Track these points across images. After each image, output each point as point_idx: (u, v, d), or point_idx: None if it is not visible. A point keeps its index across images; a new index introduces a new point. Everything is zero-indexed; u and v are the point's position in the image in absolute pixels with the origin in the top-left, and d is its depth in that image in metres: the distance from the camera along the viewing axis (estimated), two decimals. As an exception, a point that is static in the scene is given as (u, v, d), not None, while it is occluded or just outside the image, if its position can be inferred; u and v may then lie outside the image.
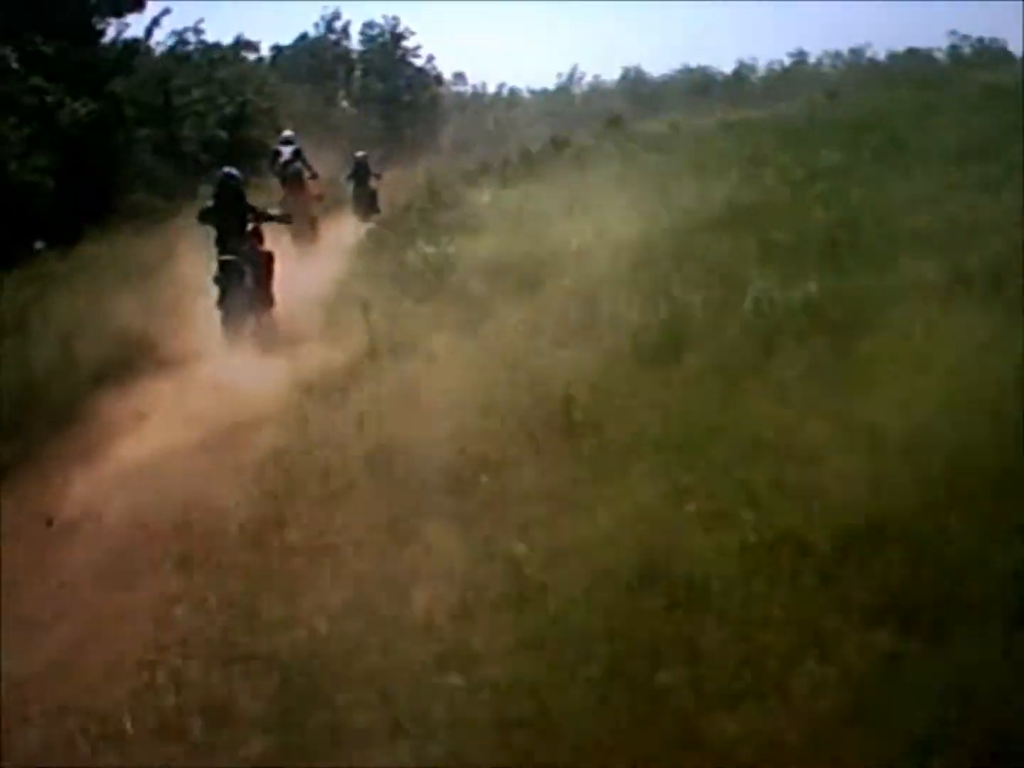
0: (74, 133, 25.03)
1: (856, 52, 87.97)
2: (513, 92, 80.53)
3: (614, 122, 30.97)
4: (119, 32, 30.09)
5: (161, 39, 33.50)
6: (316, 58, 65.74)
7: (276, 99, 52.98)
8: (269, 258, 11.85)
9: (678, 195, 14.52)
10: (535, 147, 29.85)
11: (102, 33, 29.79)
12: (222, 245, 11.37)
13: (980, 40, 77.72)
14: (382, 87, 64.93)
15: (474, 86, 77.38)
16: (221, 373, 10.47)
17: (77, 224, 23.15)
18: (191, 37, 40.22)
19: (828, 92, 31.60)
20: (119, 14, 30.03)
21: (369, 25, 66.45)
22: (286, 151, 17.99)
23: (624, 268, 11.05)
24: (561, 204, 16.36)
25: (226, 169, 12.09)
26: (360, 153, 22.45)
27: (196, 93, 29.91)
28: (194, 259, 13.33)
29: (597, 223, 14.04)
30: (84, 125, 25.00)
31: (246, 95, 32.46)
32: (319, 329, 11.92)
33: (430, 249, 14.42)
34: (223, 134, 31.05)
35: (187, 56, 32.40)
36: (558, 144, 28.89)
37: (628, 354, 8.40)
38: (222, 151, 31.53)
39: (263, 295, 11.64)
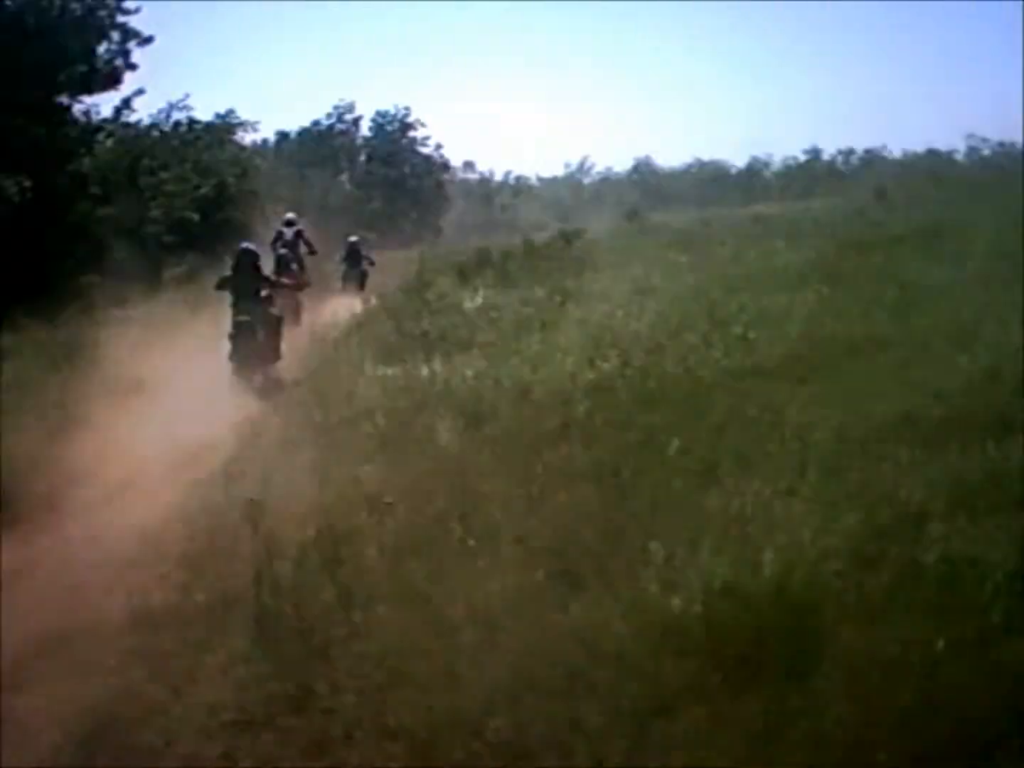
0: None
1: (871, 151, 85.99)
2: (520, 180, 77.81)
3: (632, 215, 27.29)
4: (88, 110, 27.06)
5: (152, 112, 30.48)
6: (323, 144, 63.05)
7: (273, 181, 50.20)
8: (278, 320, 13.04)
9: (726, 314, 10.76)
10: (541, 237, 26.32)
11: (68, 110, 26.74)
12: (237, 307, 12.51)
13: (1001, 143, 75.54)
14: (386, 172, 62.00)
15: (482, 173, 74.71)
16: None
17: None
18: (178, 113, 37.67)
19: (876, 191, 27.92)
20: (90, 92, 27.01)
21: (382, 115, 63.97)
22: (288, 232, 18.33)
23: (658, 430, 7.29)
24: (570, 315, 12.69)
25: (244, 244, 13.37)
26: (353, 238, 22.96)
27: (165, 174, 26.50)
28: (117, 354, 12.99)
29: (616, 346, 10.30)
30: (16, 204, 21.64)
31: (224, 176, 29.06)
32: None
33: (390, 371, 10.78)
34: (194, 216, 27.60)
35: (164, 134, 29.19)
36: (567, 236, 25.25)
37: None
38: (193, 232, 28.22)
39: (270, 351, 12.83)
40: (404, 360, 11.08)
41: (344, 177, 62.63)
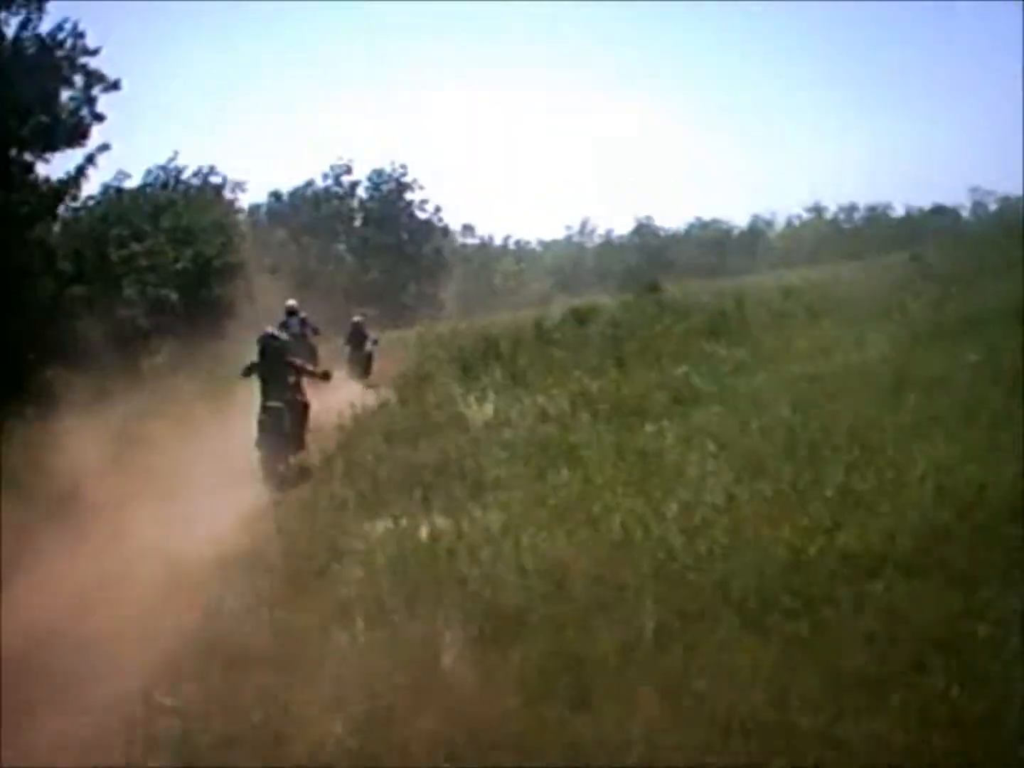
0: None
1: (874, 207, 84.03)
2: (520, 244, 75.62)
3: (651, 288, 24.71)
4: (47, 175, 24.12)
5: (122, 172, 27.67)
6: (318, 208, 60.78)
7: (264, 249, 47.71)
8: (305, 407, 12.85)
9: (838, 445, 8.11)
10: (548, 314, 23.86)
11: (30, 169, 23.83)
12: (266, 394, 12.35)
13: (1006, 198, 73.41)
14: (384, 238, 59.69)
15: (481, 238, 72.49)
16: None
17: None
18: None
19: (913, 255, 25.32)
20: (53, 147, 24.04)
21: (378, 173, 61.63)
22: (293, 321, 17.88)
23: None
24: (603, 439, 10.04)
25: (268, 330, 13.10)
26: (356, 318, 22.07)
27: (138, 246, 23.75)
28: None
29: (680, 499, 7.64)
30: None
31: (206, 246, 26.43)
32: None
33: (379, 526, 8.14)
34: (172, 294, 24.92)
35: (134, 198, 26.50)
36: (580, 316, 22.66)
37: None
38: (173, 312, 25.55)
39: (297, 439, 12.59)
40: (397, 514, 8.40)
41: (341, 245, 60.34)
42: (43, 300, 23.52)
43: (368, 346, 21.23)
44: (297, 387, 12.72)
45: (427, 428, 12.05)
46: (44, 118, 23.37)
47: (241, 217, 43.49)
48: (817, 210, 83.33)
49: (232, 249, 30.06)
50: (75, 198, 22.92)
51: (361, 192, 62.27)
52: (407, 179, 61.47)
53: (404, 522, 8.38)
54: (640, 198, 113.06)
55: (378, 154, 71.13)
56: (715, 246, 76.24)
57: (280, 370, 12.45)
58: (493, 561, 7.20)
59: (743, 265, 64.12)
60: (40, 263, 23.53)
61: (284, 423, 12.19)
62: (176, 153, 36.02)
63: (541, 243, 77.08)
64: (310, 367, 13.46)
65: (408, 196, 61.78)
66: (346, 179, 62.05)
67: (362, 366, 20.80)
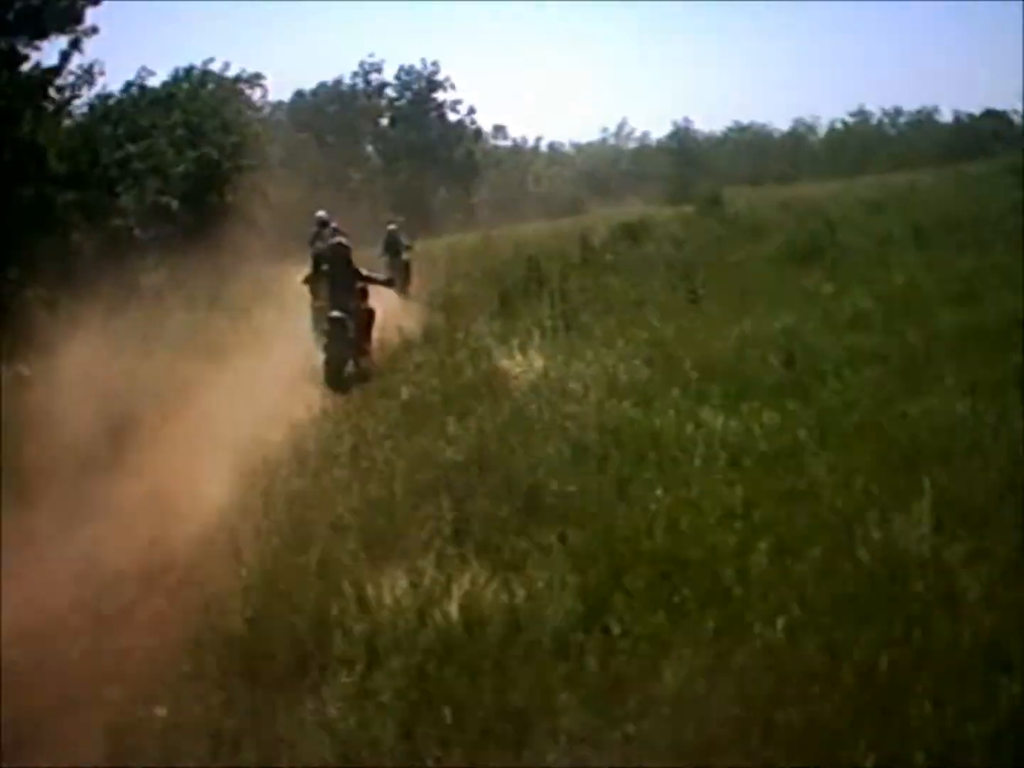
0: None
1: (921, 112, 79.23)
2: (554, 147, 71.49)
3: (712, 201, 21.39)
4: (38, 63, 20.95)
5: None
6: (345, 107, 56.98)
7: (286, 150, 44.24)
8: (370, 314, 12.65)
9: None
10: (590, 221, 20.75)
11: (18, 57, 20.68)
12: (332, 302, 12.23)
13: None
14: (413, 139, 55.90)
15: (514, 140, 68.40)
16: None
17: None
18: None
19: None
20: (44, 35, 20.80)
21: (407, 71, 57.66)
22: (327, 232, 16.61)
23: None
24: (708, 424, 7.06)
25: (337, 239, 12.97)
26: (392, 226, 20.29)
27: (133, 147, 20.59)
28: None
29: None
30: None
31: (213, 147, 23.23)
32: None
33: (400, 585, 5.24)
34: (172, 202, 21.83)
35: (132, 95, 23.20)
36: (632, 231, 19.50)
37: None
38: (175, 222, 22.48)
39: (362, 345, 12.40)
40: (419, 569, 5.47)
41: (368, 147, 56.66)
42: (29, 206, 20.64)
43: (405, 254, 19.75)
44: (363, 295, 12.66)
45: (456, 393, 9.07)
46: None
47: (259, 116, 39.93)
48: (862, 114, 78.59)
49: (245, 150, 26.75)
50: (60, 90, 19.63)
51: (390, 92, 58.46)
52: (438, 78, 57.60)
53: (428, 577, 5.47)
54: (678, 101, 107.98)
55: (408, 52, 67.08)
56: (755, 151, 71.92)
57: (346, 278, 12.36)
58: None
59: (785, 172, 60.28)
60: (28, 164, 20.63)
61: (349, 331, 12.11)
62: (211, 59, 32.62)
63: (574, 145, 72.94)
64: (375, 275, 13.29)
65: (439, 96, 57.96)
66: (375, 78, 58.22)
67: (401, 277, 18.97)
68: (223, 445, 8.29)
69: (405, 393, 9.29)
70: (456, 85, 57.16)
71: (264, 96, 45.42)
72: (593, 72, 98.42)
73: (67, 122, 21.96)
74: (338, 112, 56.14)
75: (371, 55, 57.48)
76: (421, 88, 58.15)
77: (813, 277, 12.17)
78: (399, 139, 56.12)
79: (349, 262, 12.50)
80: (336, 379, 11.71)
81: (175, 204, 21.96)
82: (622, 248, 17.42)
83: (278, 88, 75.10)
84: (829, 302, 10.52)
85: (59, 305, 18.91)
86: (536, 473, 6.65)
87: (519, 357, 10.20)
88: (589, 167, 67.89)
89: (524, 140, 68.82)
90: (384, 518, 6.22)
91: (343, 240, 12.88)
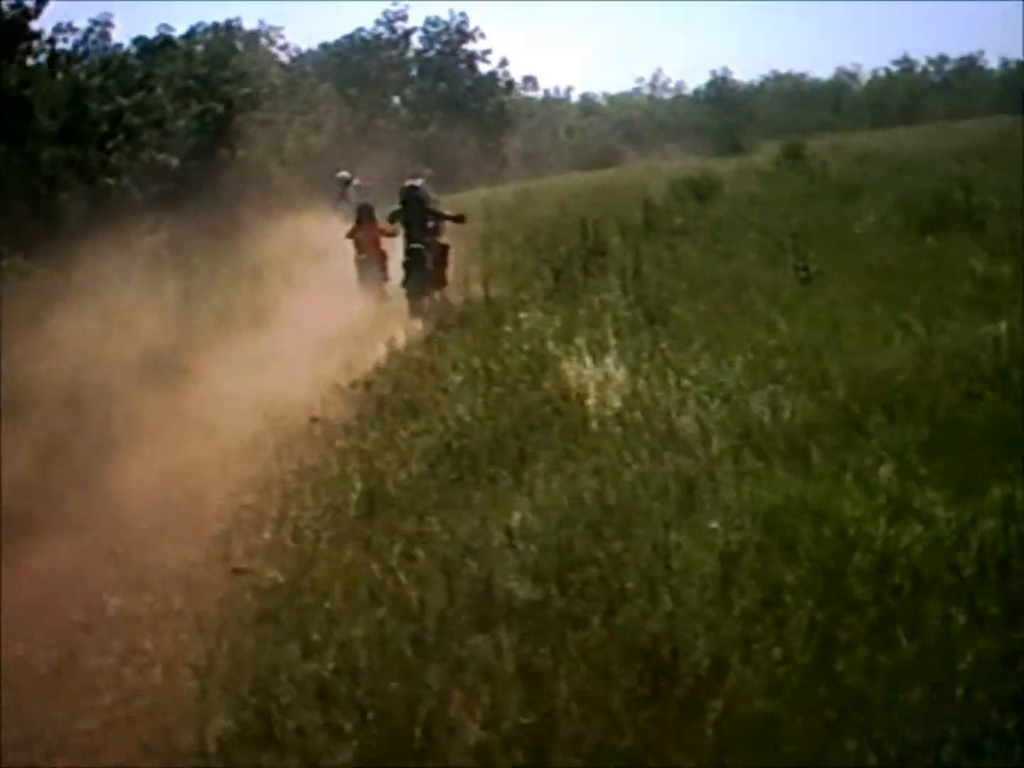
0: None
1: (967, 59, 75.11)
2: (586, 98, 67.95)
3: (793, 147, 18.33)
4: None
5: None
6: (370, 57, 53.78)
7: (308, 103, 41.21)
8: (445, 249, 13.25)
9: None
10: (626, 175, 17.90)
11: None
12: (409, 238, 12.73)
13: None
14: (444, 89, 52.70)
15: (546, 91, 64.90)
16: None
17: None
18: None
19: None
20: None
21: (433, 22, 54.39)
22: (349, 191, 17.58)
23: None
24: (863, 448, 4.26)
25: (410, 182, 13.26)
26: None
27: (126, 100, 17.81)
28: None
29: None
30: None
31: (218, 99, 20.42)
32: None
33: None
34: (172, 160, 19.05)
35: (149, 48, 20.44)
36: (698, 188, 16.52)
37: None
38: (175, 181, 19.76)
39: (439, 277, 13.03)
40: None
41: (395, 98, 53.47)
42: (15, 163, 18.06)
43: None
44: (437, 230, 13.22)
45: (509, 424, 6.26)
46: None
47: (280, 68, 37.06)
48: (907, 62, 74.40)
49: (259, 102, 23.90)
50: (37, 36, 16.94)
51: (416, 42, 55.23)
52: (467, 28, 54.31)
53: None
54: (715, 50, 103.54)
55: (435, 3, 63.66)
56: (796, 101, 68.08)
57: (419, 217, 12.89)
58: None
59: (827, 121, 56.67)
60: (11, 117, 17.99)
61: (427, 263, 12.74)
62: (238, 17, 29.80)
63: (607, 96, 69.33)
64: (447, 212, 13.68)
65: (468, 47, 54.69)
66: (400, 26, 55.01)
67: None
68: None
69: (430, 440, 6.39)
70: (486, 34, 53.86)
71: (286, 48, 42.75)
72: (626, 23, 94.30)
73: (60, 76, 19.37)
74: (362, 61, 53.05)
75: (395, 2, 54.24)
76: (450, 39, 54.95)
77: (961, 250, 9.22)
78: (428, 90, 53.00)
79: (422, 201, 13.04)
80: (417, 307, 12.36)
81: (175, 162, 19.15)
82: (691, 209, 14.47)
83: (305, 41, 71.93)
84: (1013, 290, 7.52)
85: (35, 275, 16.49)
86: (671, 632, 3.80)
87: (590, 366, 7.36)
88: (623, 118, 64.37)
89: (556, 91, 65.44)
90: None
91: (416, 183, 13.32)
